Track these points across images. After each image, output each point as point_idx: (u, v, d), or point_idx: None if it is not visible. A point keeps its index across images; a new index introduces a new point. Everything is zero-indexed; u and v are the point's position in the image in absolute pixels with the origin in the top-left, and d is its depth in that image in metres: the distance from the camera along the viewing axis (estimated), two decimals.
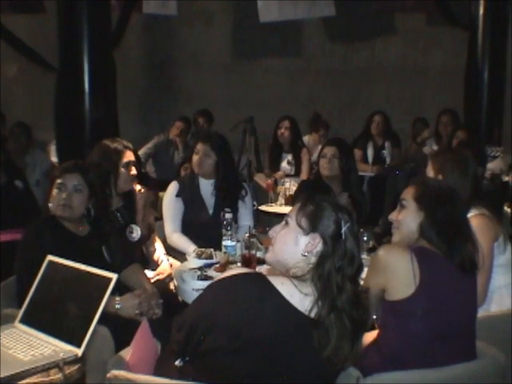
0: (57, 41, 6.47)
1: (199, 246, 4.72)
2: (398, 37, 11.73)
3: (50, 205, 3.92)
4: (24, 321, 3.06)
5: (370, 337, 3.13)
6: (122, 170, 4.63)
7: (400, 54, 11.73)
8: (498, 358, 2.98)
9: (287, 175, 8.11)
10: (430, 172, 4.04)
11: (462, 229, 3.08)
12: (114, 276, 2.91)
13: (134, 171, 4.72)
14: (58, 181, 3.93)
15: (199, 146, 5.22)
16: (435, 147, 8.81)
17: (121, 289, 3.74)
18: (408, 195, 3.19)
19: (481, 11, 9.48)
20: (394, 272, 2.94)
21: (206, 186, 5.25)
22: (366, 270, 2.97)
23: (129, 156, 4.68)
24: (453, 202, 3.10)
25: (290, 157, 8.43)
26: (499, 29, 9.56)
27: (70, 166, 4.00)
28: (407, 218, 3.17)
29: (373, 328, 3.18)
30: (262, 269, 3.99)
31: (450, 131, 8.65)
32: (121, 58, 7.34)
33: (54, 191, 3.92)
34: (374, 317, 3.13)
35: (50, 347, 2.83)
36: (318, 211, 2.66)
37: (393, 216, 3.27)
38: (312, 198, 2.75)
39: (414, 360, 2.89)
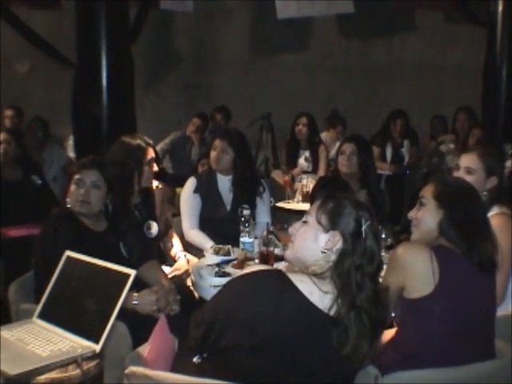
0: (75, 36, 6.48)
1: (217, 243, 4.72)
2: (416, 34, 11.67)
3: (67, 200, 3.93)
4: (42, 316, 3.07)
5: (388, 335, 3.11)
6: (146, 166, 4.63)
7: (417, 51, 11.67)
8: None
9: (304, 172, 8.10)
10: (480, 173, 3.99)
11: (481, 227, 3.06)
12: (132, 272, 2.92)
13: (155, 168, 4.72)
14: (76, 177, 3.93)
15: (217, 142, 5.21)
16: (451, 145, 8.79)
17: (138, 285, 3.73)
18: (427, 193, 3.18)
19: (499, 8, 9.40)
20: (413, 270, 2.93)
21: (224, 183, 5.24)
22: (385, 267, 2.96)
23: (151, 153, 4.69)
24: (472, 200, 3.09)
25: (307, 153, 8.41)
26: None
27: (87, 162, 4.01)
28: (426, 216, 3.15)
29: (391, 326, 3.17)
30: (279, 266, 3.97)
31: (466, 129, 8.63)
32: (138, 54, 7.35)
33: (72, 187, 3.92)
34: (393, 315, 3.12)
35: (68, 343, 2.83)
36: (338, 208, 2.64)
37: (412, 214, 3.26)
38: (332, 195, 2.73)
39: (432, 359, 2.87)
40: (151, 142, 4.78)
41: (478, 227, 3.05)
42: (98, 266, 3.04)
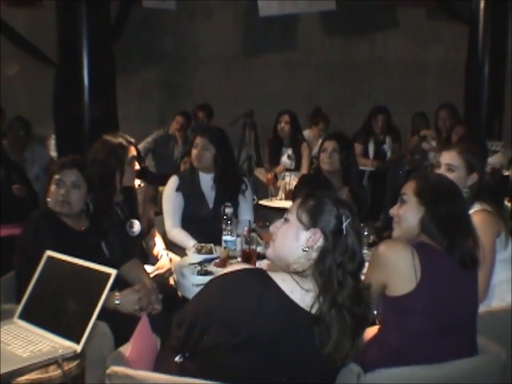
0: (56, 35, 6.44)
1: (199, 241, 4.72)
2: (399, 31, 11.72)
3: (48, 200, 3.91)
4: (23, 316, 3.06)
5: (370, 332, 3.12)
6: (127, 165, 4.62)
7: (400, 48, 11.71)
8: (499, 354, 2.97)
9: (287, 169, 8.10)
10: (461, 170, 3.99)
11: (462, 224, 3.06)
12: (113, 271, 2.91)
13: (137, 166, 4.72)
14: (56, 177, 3.91)
15: (198, 140, 5.21)
16: (433, 143, 8.82)
17: (120, 284, 3.72)
18: (408, 190, 3.18)
19: (481, 5, 9.46)
20: (395, 268, 2.93)
21: (206, 180, 5.24)
22: (366, 264, 2.96)
23: (133, 151, 4.69)
24: (453, 196, 3.09)
25: (290, 151, 8.41)
26: (500, 23, 9.53)
27: (67, 162, 3.99)
28: (408, 213, 3.16)
29: (373, 323, 3.17)
30: (262, 264, 3.99)
31: (448, 126, 8.68)
32: (120, 53, 7.32)
33: (52, 187, 3.90)
34: (375, 312, 3.12)
35: (48, 343, 2.83)
36: (318, 206, 2.64)
37: (393, 211, 3.26)
38: (313, 192, 2.73)
39: (414, 356, 2.88)
40: (133, 140, 4.77)
41: (459, 224, 3.05)
42: (78, 265, 3.02)
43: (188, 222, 5.15)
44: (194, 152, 5.21)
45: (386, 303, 3.00)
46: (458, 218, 3.06)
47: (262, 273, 2.61)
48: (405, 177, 8.35)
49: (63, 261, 3.09)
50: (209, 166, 5.21)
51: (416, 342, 2.90)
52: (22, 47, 7.37)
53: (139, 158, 4.85)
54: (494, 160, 7.91)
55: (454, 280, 2.99)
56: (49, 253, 3.15)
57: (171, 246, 5.06)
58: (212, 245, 4.54)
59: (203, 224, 5.06)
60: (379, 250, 3.03)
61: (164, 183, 5.40)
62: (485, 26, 9.45)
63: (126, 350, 2.85)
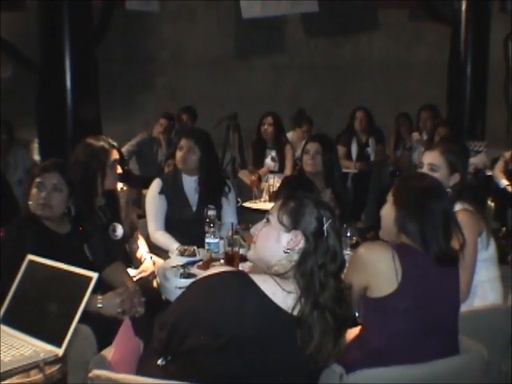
0: (38, 38, 6.43)
1: (183, 244, 4.71)
2: (382, 32, 11.77)
3: (29, 203, 3.90)
4: (4, 321, 3.03)
5: (352, 333, 3.12)
6: (109, 169, 4.62)
7: (383, 49, 11.76)
8: (481, 353, 2.98)
9: (271, 171, 8.12)
10: (443, 170, 4.02)
11: (438, 221, 3.06)
12: (94, 275, 2.90)
13: (119, 170, 4.71)
14: (37, 180, 3.90)
15: (183, 142, 5.21)
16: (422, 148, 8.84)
17: (103, 287, 3.71)
18: (391, 191, 3.21)
19: (463, 6, 9.54)
20: (376, 270, 2.94)
21: (190, 183, 5.23)
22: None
23: (115, 155, 4.68)
24: (427, 194, 3.09)
25: (273, 153, 8.44)
26: (481, 24, 9.61)
27: (49, 165, 3.98)
28: (385, 213, 3.19)
29: (355, 324, 3.17)
30: (244, 266, 3.98)
31: (430, 127, 8.71)
32: (103, 56, 7.31)
33: (34, 190, 3.89)
34: (357, 314, 3.13)
35: (30, 347, 2.81)
36: (299, 208, 2.64)
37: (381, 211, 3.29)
38: (293, 194, 2.74)
39: (396, 356, 2.88)
40: (115, 144, 4.76)
41: (434, 221, 3.04)
42: (59, 269, 3.01)
43: (171, 225, 5.14)
44: (179, 154, 5.20)
45: (368, 305, 3.00)
46: (430, 215, 3.05)
47: (243, 275, 2.61)
48: (389, 178, 8.39)
49: (44, 265, 3.08)
50: (194, 168, 5.21)
51: (398, 342, 2.91)
52: (4, 50, 7.35)
53: (122, 160, 4.85)
54: (476, 160, 7.95)
55: (434, 280, 2.99)
56: (30, 257, 3.13)
57: (154, 248, 5.06)
58: (195, 247, 4.53)
59: (187, 226, 5.06)
60: (359, 252, 3.04)
61: (147, 186, 5.40)
62: (466, 26, 9.52)
63: (109, 353, 2.84)
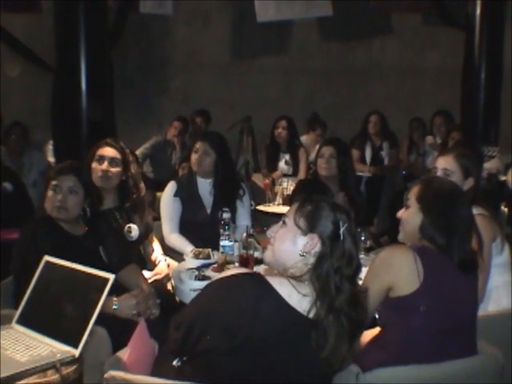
0: (53, 40, 6.45)
1: (197, 246, 4.71)
2: (395, 37, 11.75)
3: (45, 206, 3.91)
4: (21, 321, 3.06)
5: (369, 335, 3.13)
6: (94, 163, 4.62)
7: (396, 54, 11.74)
8: (497, 356, 2.99)
9: (285, 175, 8.12)
10: (457, 175, 4.02)
11: (462, 228, 3.07)
12: (111, 276, 2.92)
13: (105, 166, 4.63)
14: (53, 182, 3.92)
15: (198, 145, 5.21)
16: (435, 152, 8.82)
17: (118, 289, 3.72)
18: (412, 195, 3.21)
19: (477, 11, 9.45)
20: (400, 270, 2.95)
21: (204, 186, 5.24)
22: (364, 269, 2.97)
23: (105, 151, 4.66)
24: (453, 201, 3.10)
25: (287, 156, 8.43)
26: (496, 29, 9.53)
27: (64, 168, 3.99)
28: (409, 218, 3.18)
29: (372, 326, 3.18)
30: (259, 269, 3.99)
31: (443, 132, 8.69)
32: (118, 59, 7.33)
33: (50, 193, 3.91)
34: (377, 316, 3.13)
35: (47, 348, 2.83)
36: (316, 211, 2.65)
37: (399, 214, 3.29)
38: (310, 197, 2.74)
39: (415, 356, 2.89)
40: (114, 143, 4.69)
41: (459, 228, 3.06)
42: (76, 270, 3.03)
43: (186, 227, 5.15)
44: (195, 157, 5.21)
45: (390, 304, 3.01)
46: (457, 223, 3.07)
47: (259, 277, 2.61)
48: (402, 182, 8.39)
49: (61, 266, 3.10)
50: (209, 170, 5.22)
51: (417, 341, 2.92)
52: (20, 52, 7.39)
53: (137, 163, 4.84)
54: (490, 165, 7.92)
55: (454, 283, 3.01)
56: (47, 258, 3.15)
57: (169, 251, 5.07)
58: (210, 250, 4.53)
59: (201, 229, 5.07)
60: (382, 255, 3.06)
61: (162, 189, 5.40)
62: (481, 31, 9.45)
63: (124, 354, 2.86)
